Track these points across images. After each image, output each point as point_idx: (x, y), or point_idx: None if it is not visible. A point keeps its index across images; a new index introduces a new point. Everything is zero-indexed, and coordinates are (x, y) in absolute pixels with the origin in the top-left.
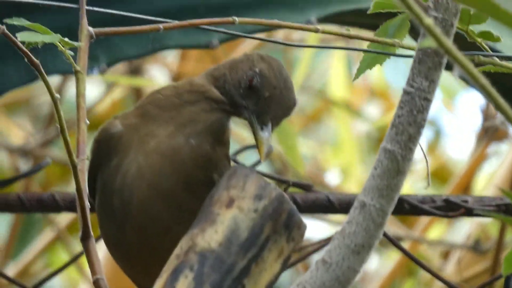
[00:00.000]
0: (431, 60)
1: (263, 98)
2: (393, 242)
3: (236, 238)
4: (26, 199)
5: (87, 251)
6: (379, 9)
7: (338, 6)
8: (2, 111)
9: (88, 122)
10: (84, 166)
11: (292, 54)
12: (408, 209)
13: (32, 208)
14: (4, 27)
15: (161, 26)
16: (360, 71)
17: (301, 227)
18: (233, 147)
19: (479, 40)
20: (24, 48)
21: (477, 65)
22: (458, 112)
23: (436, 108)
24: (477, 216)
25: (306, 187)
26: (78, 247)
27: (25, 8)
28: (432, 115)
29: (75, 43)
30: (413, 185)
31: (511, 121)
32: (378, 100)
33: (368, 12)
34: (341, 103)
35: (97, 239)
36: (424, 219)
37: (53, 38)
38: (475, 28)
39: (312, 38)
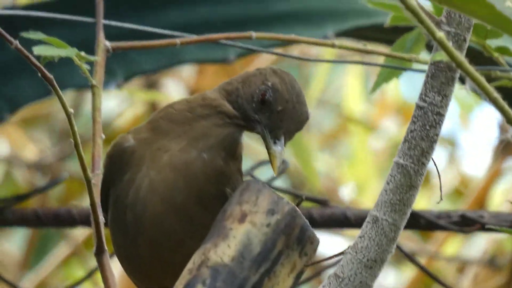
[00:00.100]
0: (444, 75)
1: (276, 112)
2: (409, 257)
3: (248, 253)
4: (43, 214)
5: (101, 266)
6: (396, 23)
7: (355, 21)
8: (19, 125)
9: (103, 136)
10: (99, 180)
11: (308, 69)
12: (424, 224)
13: (48, 222)
14: (17, 41)
15: (178, 40)
16: (377, 85)
17: (314, 242)
18: (249, 162)
19: (495, 54)
20: (37, 63)
21: (494, 79)
22: (475, 127)
23: (453, 123)
24: (493, 232)
25: (322, 202)
26: (93, 262)
27: (43, 22)
28: (449, 130)
29: (92, 57)
30: (431, 200)
31: None
32: (394, 115)
33: (385, 25)
34: (357, 119)
35: (111, 254)
36: (440, 234)
37: (69, 52)
38: (492, 43)
39: (328, 53)
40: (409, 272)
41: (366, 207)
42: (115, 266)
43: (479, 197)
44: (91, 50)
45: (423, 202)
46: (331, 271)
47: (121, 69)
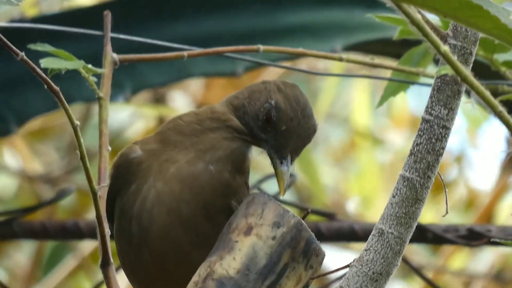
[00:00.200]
0: (450, 88)
1: (281, 132)
2: (417, 271)
3: (254, 266)
4: (50, 226)
5: (107, 278)
6: (404, 36)
7: (363, 35)
8: (27, 138)
9: (110, 148)
10: (105, 193)
11: (316, 83)
12: (431, 238)
13: (56, 235)
14: (23, 53)
15: (185, 53)
16: (384, 98)
17: (320, 255)
18: (256, 175)
19: (503, 69)
20: (43, 75)
21: (500, 93)
22: (483, 141)
23: (461, 137)
24: (500, 246)
25: (329, 216)
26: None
27: (51, 34)
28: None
29: (99, 70)
30: (438, 213)
31: None
32: (401, 129)
33: (393, 38)
34: (364, 132)
35: (117, 267)
36: (447, 248)
37: (76, 64)
38: (500, 57)
39: (336, 67)
40: (416, 286)
41: (374, 221)
42: (121, 279)
43: (486, 211)
44: (99, 63)
45: (430, 215)
46: (336, 284)
47: (129, 82)
